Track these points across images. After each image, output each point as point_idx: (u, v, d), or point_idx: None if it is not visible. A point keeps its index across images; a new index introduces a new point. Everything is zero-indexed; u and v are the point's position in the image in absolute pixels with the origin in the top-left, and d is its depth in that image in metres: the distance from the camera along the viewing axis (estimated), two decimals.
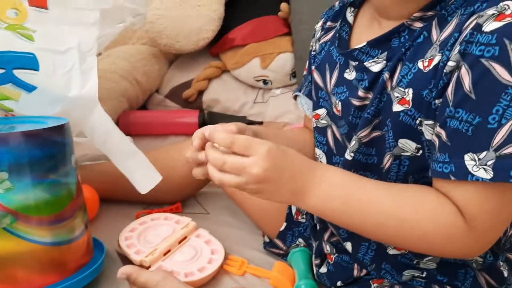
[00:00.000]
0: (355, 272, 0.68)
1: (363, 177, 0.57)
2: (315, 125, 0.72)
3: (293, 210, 0.82)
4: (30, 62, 0.74)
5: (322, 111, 0.70)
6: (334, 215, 0.56)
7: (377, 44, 0.59)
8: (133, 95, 1.27)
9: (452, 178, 0.48)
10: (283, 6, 1.29)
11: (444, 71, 0.50)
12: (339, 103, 0.64)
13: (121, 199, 0.95)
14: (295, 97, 0.83)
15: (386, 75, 0.57)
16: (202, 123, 1.24)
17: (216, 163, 0.52)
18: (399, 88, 0.55)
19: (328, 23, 0.72)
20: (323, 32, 0.73)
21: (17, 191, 0.62)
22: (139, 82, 1.28)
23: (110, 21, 0.88)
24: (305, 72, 0.80)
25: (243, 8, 1.32)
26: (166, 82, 1.36)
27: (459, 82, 0.48)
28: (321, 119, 0.70)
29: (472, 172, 0.47)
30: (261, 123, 1.27)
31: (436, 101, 0.52)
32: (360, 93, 0.61)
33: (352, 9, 0.67)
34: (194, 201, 1.00)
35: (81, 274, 0.68)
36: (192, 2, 1.25)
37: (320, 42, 0.73)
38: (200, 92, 1.32)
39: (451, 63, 0.49)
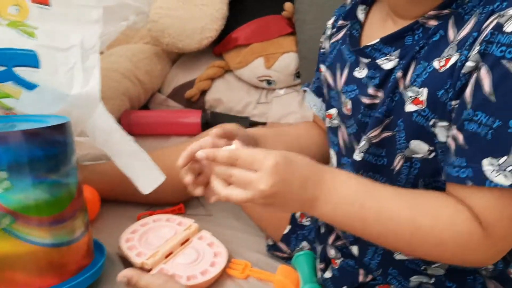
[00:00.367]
0: (361, 278, 0.66)
1: (375, 183, 0.55)
2: (328, 125, 0.71)
3: (297, 213, 0.80)
4: (31, 59, 0.73)
5: (333, 111, 0.69)
6: (346, 222, 0.53)
7: (391, 41, 0.58)
8: (135, 95, 1.26)
9: (470, 183, 0.47)
10: (287, 5, 1.28)
11: (462, 71, 0.48)
12: (349, 101, 0.63)
13: (123, 200, 0.94)
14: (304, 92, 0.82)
15: (398, 73, 0.55)
16: (204, 123, 1.22)
17: (223, 175, 0.50)
18: (413, 87, 0.54)
19: (340, 22, 0.70)
20: (334, 30, 0.72)
21: (17, 191, 0.61)
22: (141, 82, 1.26)
23: (113, 19, 0.87)
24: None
25: (247, 8, 1.30)
26: (168, 82, 1.35)
27: (478, 84, 0.47)
28: (333, 119, 0.69)
29: (490, 178, 0.45)
30: (264, 123, 1.26)
31: (453, 102, 0.50)
32: (371, 90, 0.59)
33: (364, 6, 0.66)
34: (197, 202, 0.99)
35: (81, 276, 0.67)
36: (196, 1, 1.24)
37: (332, 41, 0.71)
38: (203, 92, 1.30)
39: (470, 63, 0.48)
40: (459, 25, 0.51)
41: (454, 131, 0.49)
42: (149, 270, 0.74)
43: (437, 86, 0.51)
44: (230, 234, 0.87)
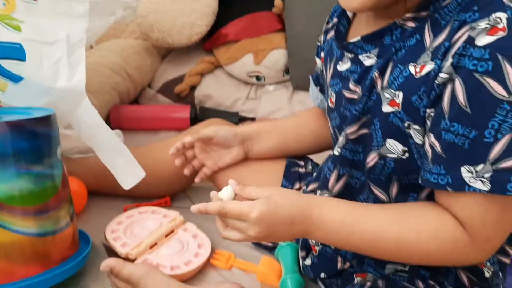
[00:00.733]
0: (339, 265, 0.68)
1: (361, 206, 0.59)
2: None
3: None
4: (16, 52, 0.74)
5: (326, 104, 0.71)
6: (337, 245, 0.60)
7: (370, 40, 0.59)
8: (124, 89, 1.26)
9: (450, 189, 0.49)
10: (277, 2, 1.29)
11: (436, 82, 0.50)
12: (334, 95, 0.65)
13: (110, 192, 0.95)
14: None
15: (375, 73, 0.57)
16: (193, 119, 1.23)
17: (219, 214, 0.57)
18: (390, 89, 0.55)
19: (334, 19, 0.72)
20: (329, 26, 0.73)
21: (1, 181, 0.62)
22: (131, 76, 1.27)
23: (100, 14, 0.88)
24: None
25: (237, 4, 1.31)
26: (158, 77, 1.36)
27: (453, 96, 0.48)
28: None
29: (469, 183, 0.47)
30: (253, 119, 1.27)
31: (428, 110, 0.51)
32: (351, 85, 0.61)
33: None
34: (183, 195, 1.00)
35: (65, 265, 0.68)
36: None
37: (327, 37, 0.73)
38: (193, 87, 1.31)
39: (443, 75, 0.49)
40: (435, 31, 0.52)
41: (432, 139, 0.51)
42: (133, 261, 0.75)
43: (411, 92, 0.53)
44: (215, 226, 0.88)
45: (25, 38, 0.75)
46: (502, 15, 0.46)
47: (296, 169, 0.83)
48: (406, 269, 0.62)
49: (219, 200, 0.58)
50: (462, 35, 0.48)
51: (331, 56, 0.68)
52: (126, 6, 0.93)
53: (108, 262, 0.67)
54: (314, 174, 0.80)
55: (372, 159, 0.59)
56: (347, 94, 0.62)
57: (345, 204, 0.58)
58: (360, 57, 0.60)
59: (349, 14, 0.68)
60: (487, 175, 0.46)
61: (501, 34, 0.45)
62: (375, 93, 0.57)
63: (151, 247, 0.78)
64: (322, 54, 0.75)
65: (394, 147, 0.56)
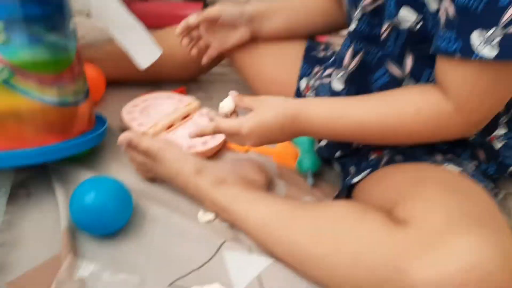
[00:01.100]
0: (354, 144, 0.67)
1: (345, 98, 0.61)
2: None
3: (302, 86, 0.79)
4: None
5: None
6: (329, 138, 0.66)
7: None
8: None
9: (458, 55, 0.48)
10: None
11: None
12: None
13: (127, 80, 0.93)
14: None
15: None
16: None
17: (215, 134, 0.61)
18: None
19: None
20: None
21: (14, 45, 0.60)
22: None
23: None
24: None
25: None
26: None
27: None
28: None
29: (477, 51, 0.46)
30: None
31: None
32: None
33: None
34: (198, 87, 0.99)
35: (83, 138, 0.68)
36: None
37: None
38: None
39: None
40: None
41: (446, 3, 0.49)
42: None
43: None
44: None
45: None
46: None
47: (316, 53, 0.81)
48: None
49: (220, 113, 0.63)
50: None
51: None
52: None
53: (126, 135, 0.67)
54: (332, 59, 0.78)
55: (385, 30, 0.58)
56: None
57: (329, 99, 0.61)
58: None
59: None
60: (497, 39, 0.45)
61: None
62: None
63: (167, 128, 0.78)
64: None
65: (407, 16, 0.54)
